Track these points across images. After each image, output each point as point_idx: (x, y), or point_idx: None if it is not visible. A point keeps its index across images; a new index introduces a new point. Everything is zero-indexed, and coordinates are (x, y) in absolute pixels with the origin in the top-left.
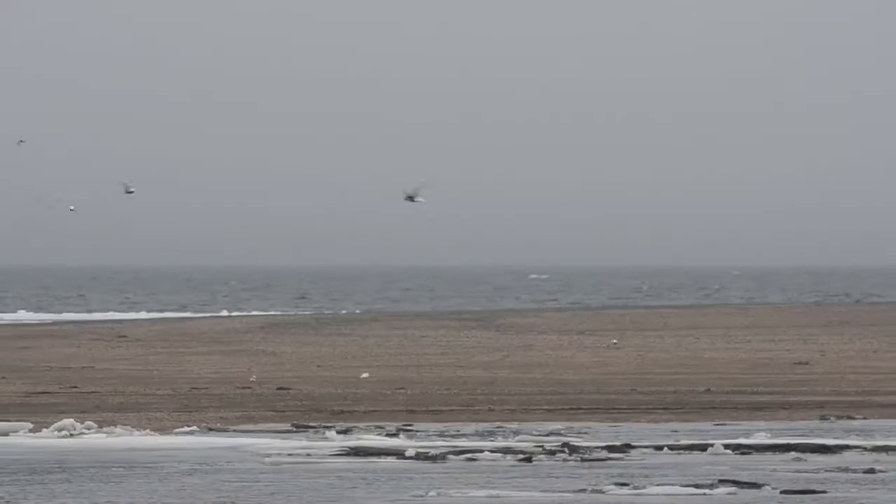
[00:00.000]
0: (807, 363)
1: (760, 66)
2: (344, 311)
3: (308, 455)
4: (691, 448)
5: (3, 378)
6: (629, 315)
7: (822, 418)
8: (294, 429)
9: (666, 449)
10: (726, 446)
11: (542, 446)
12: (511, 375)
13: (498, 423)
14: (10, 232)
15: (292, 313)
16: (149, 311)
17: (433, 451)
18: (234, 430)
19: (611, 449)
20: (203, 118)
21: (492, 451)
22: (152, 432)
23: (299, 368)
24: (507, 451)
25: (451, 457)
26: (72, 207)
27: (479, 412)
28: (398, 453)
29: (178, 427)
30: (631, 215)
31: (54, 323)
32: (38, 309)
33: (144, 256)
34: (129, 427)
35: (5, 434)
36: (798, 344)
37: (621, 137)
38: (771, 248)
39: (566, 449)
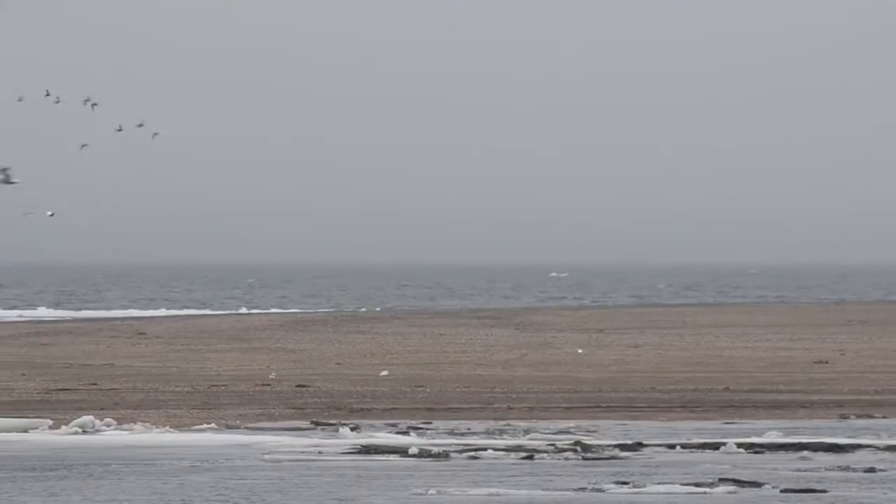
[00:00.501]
0: (826, 362)
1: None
2: (363, 309)
3: (319, 453)
4: (704, 447)
5: (24, 375)
6: (648, 313)
7: (842, 417)
8: (313, 426)
9: (678, 447)
10: (739, 445)
11: (553, 444)
12: (530, 374)
13: (513, 421)
14: (26, 230)
15: (312, 311)
16: (168, 308)
17: (436, 449)
18: (246, 428)
19: (623, 447)
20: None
21: (495, 450)
22: (171, 429)
23: (319, 366)
24: (518, 448)
25: (454, 455)
26: (50, 212)
27: (498, 410)
28: (406, 451)
29: (197, 424)
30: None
31: (74, 320)
32: (57, 306)
33: (156, 253)
34: (148, 424)
35: (24, 430)
36: (817, 343)
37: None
38: (785, 246)
39: (578, 447)
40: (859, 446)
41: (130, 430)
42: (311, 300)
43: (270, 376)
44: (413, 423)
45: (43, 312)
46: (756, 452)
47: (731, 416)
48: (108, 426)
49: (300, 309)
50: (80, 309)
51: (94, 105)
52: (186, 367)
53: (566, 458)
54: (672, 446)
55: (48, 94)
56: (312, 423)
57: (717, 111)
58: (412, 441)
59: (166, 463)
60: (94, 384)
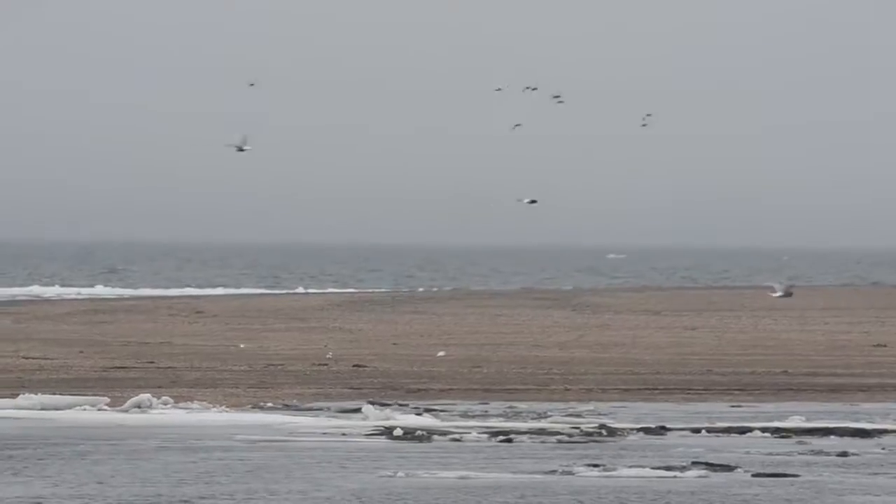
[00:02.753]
0: (885, 345)
1: None
2: (421, 289)
3: (343, 434)
4: (729, 431)
5: (81, 352)
6: (705, 295)
7: None
8: (370, 404)
9: (703, 431)
10: (764, 430)
11: (578, 427)
12: (587, 355)
13: (571, 402)
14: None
15: (369, 291)
16: (226, 287)
17: (419, 431)
18: (252, 407)
19: (647, 431)
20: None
21: (479, 433)
22: (228, 408)
23: (375, 346)
24: (541, 431)
25: (436, 437)
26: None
27: (556, 392)
28: (391, 432)
29: (253, 403)
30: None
31: (131, 298)
32: (115, 283)
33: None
34: (205, 403)
35: (81, 408)
36: (876, 326)
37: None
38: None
39: (603, 430)
40: (885, 431)
41: (188, 408)
42: (367, 280)
43: (327, 356)
44: (474, 402)
45: (100, 290)
46: (783, 436)
47: (789, 399)
48: (166, 405)
49: (357, 289)
50: (137, 287)
51: (534, 89)
52: (244, 346)
53: (542, 442)
54: (697, 430)
55: (528, 88)
56: (369, 402)
57: (725, 97)
58: (433, 423)
59: (135, 444)
60: (152, 362)
